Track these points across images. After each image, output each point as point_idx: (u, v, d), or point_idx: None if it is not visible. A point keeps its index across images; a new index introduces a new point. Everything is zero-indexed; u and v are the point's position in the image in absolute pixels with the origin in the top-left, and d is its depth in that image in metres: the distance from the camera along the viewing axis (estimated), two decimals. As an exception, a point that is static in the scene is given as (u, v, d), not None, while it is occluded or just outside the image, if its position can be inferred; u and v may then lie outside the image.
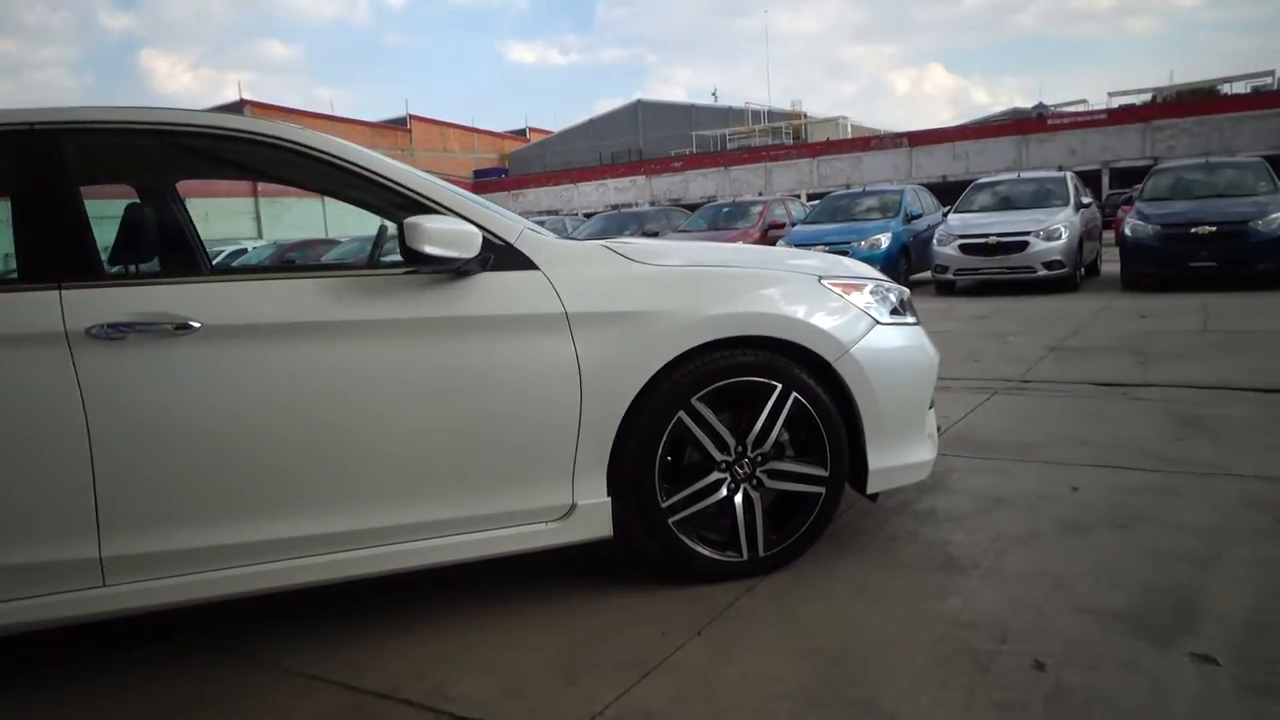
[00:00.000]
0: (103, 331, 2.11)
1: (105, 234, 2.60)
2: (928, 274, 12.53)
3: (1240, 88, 39.84)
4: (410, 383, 2.33)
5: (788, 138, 48.84)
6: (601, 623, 2.44)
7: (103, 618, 2.18)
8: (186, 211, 3.30)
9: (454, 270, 2.34)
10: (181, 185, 3.36)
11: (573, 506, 2.46)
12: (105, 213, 2.75)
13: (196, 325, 2.17)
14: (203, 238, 3.39)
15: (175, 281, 2.36)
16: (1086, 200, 12.72)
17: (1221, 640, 2.15)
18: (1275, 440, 3.87)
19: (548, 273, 2.44)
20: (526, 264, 2.44)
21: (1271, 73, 39.57)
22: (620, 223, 17.69)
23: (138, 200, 2.99)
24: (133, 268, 2.72)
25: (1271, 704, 1.88)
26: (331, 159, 2.39)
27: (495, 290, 2.40)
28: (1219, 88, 40.99)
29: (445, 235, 2.27)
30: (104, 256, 2.43)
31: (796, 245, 12.15)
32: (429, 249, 2.24)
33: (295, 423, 2.26)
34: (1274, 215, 9.95)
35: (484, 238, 2.37)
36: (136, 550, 2.16)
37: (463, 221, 2.35)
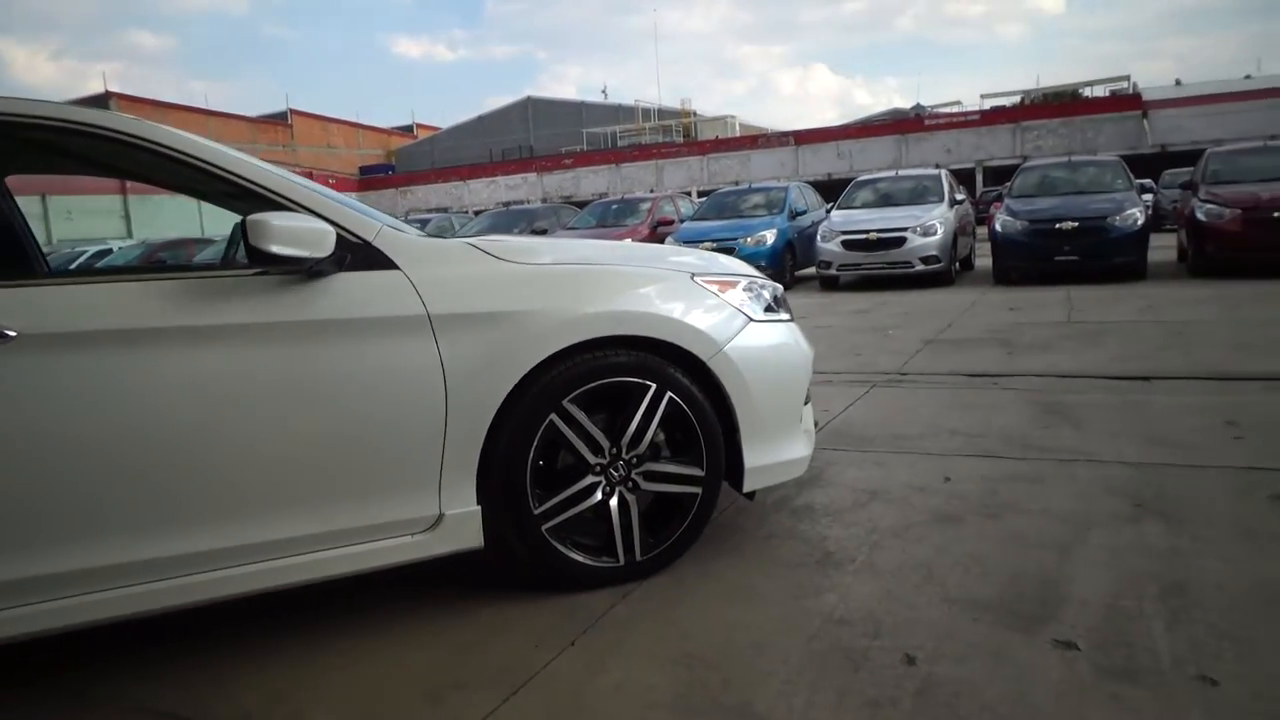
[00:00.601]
0: (-103, 343, 1.89)
1: None
2: (813, 269, 12.78)
3: (1100, 91, 42.24)
4: (260, 391, 2.17)
5: (678, 136, 49.33)
6: (470, 638, 2.33)
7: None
8: (17, 209, 3.03)
9: (306, 270, 2.20)
10: (14, 181, 3.09)
11: (440, 517, 2.35)
12: None
13: (12, 334, 1.96)
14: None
15: (-10, 286, 2.14)
16: (960, 197, 13.21)
17: (1082, 625, 2.20)
18: (1131, 426, 4.05)
19: (409, 272, 2.32)
20: (386, 263, 2.32)
21: (1127, 77, 42.16)
22: (509, 220, 17.49)
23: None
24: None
25: (1129, 687, 1.92)
26: (166, 150, 2.21)
27: (352, 291, 2.26)
28: (1081, 91, 43.33)
29: (293, 233, 2.12)
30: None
31: (685, 242, 12.24)
32: (275, 248, 2.09)
33: (131, 438, 2.07)
34: (1129, 211, 10.55)
35: (339, 236, 2.23)
36: None
37: (313, 218, 2.21)
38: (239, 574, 2.16)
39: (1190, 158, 16.07)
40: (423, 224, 18.39)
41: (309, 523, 2.22)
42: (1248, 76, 38.88)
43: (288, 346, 2.20)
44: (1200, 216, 10.18)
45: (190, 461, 2.12)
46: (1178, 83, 40.23)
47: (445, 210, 36.90)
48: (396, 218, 3.09)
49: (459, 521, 2.37)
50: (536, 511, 2.46)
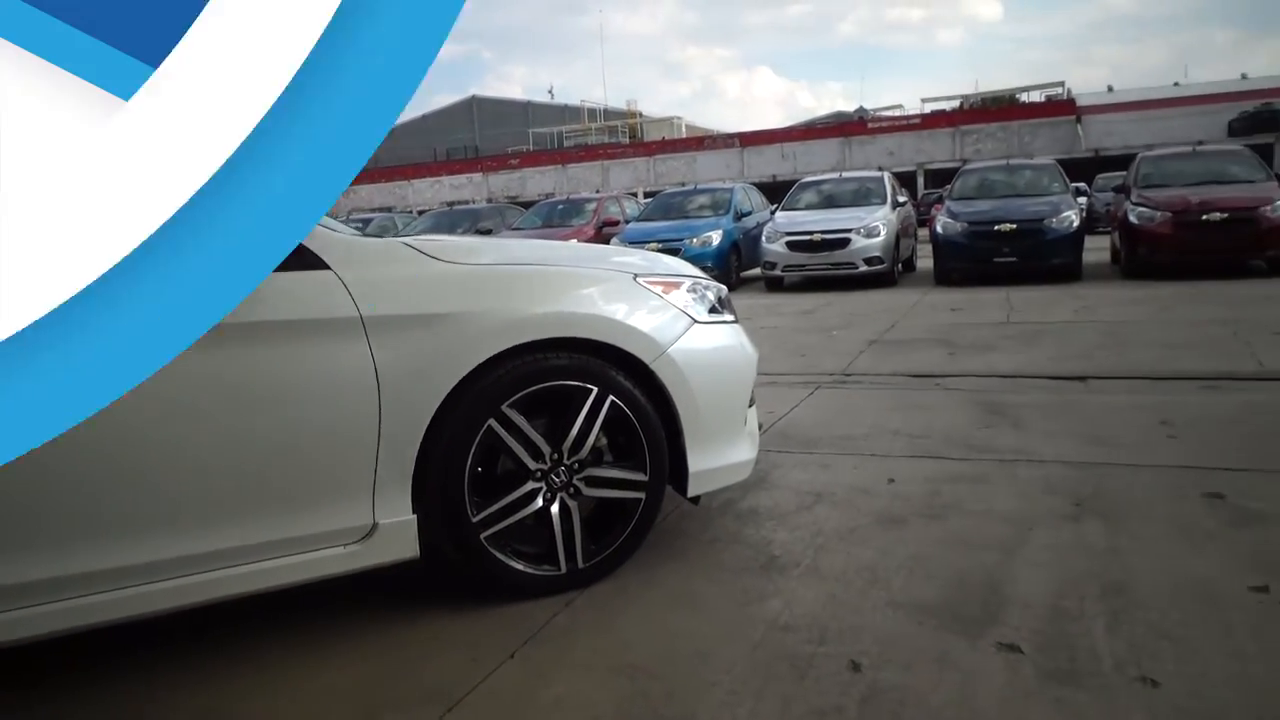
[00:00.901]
0: None
1: None
2: (758, 270, 12.84)
3: (1036, 96, 43.18)
4: (180, 397, 2.06)
5: (624, 136, 49.31)
6: (406, 652, 2.25)
7: None
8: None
9: (230, 271, 2.10)
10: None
11: (374, 526, 2.26)
12: None
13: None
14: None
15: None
16: (902, 199, 13.38)
17: (1026, 628, 2.20)
18: (1069, 425, 4.10)
19: (340, 273, 2.23)
20: (316, 263, 2.22)
21: (1062, 83, 43.14)
22: (453, 220, 17.31)
23: None
24: None
25: (1073, 691, 1.92)
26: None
27: (278, 292, 2.15)
28: (1018, 96, 44.26)
29: None
30: None
31: (630, 243, 12.19)
32: (196, 247, 1.99)
33: (44, 448, 1.95)
34: (1065, 213, 10.79)
35: (265, 235, 2.13)
36: None
37: (237, 216, 2.10)
38: (153, 590, 2.04)
39: (1122, 162, 16.51)
40: (365, 223, 18.11)
41: (233, 535, 2.11)
42: (1176, 84, 40.10)
43: (209, 350, 2.08)
44: (1133, 219, 10.43)
45: (102, 472, 2.00)
46: (1110, 89, 41.31)
47: (389, 210, 36.38)
48: (337, 217, 3.00)
49: (393, 531, 2.28)
50: (475, 519, 2.38)
